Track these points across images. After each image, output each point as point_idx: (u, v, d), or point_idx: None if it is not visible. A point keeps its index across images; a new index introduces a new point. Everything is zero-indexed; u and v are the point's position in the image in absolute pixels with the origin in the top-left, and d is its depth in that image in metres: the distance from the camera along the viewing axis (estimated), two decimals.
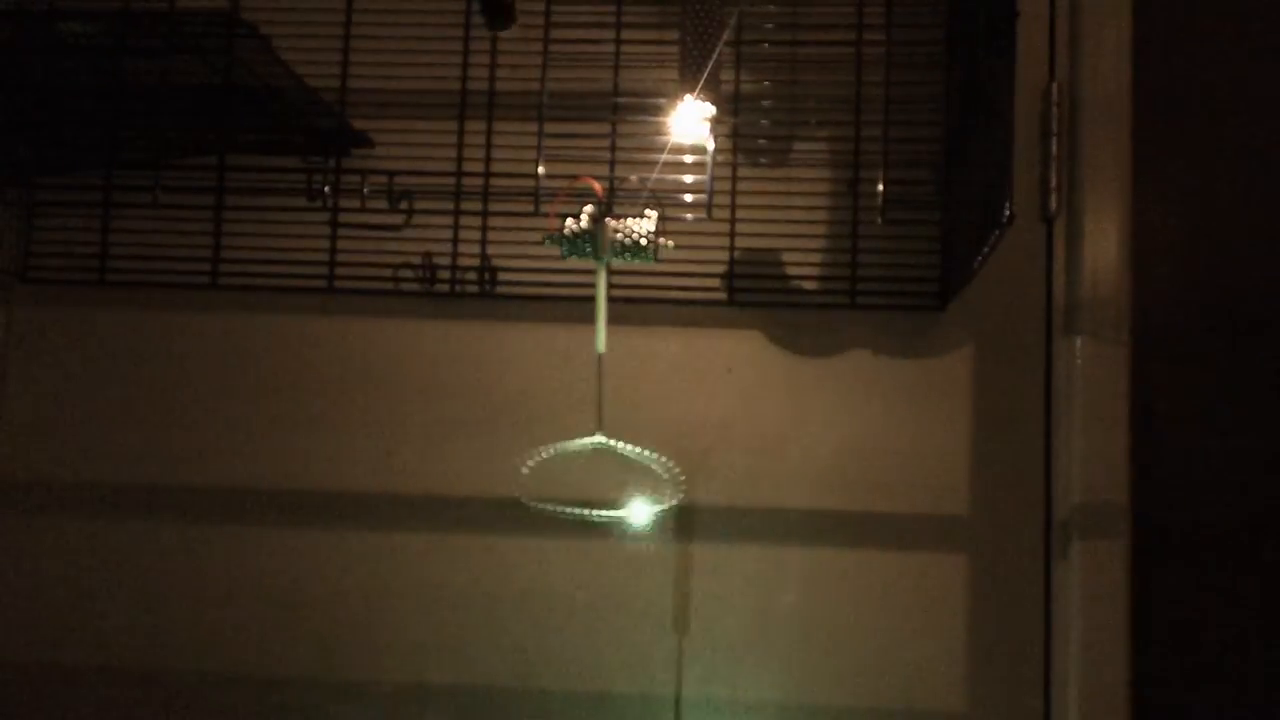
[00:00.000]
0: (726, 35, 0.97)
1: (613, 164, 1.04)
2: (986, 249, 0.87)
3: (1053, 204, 1.04)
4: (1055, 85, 1.04)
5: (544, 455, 0.99)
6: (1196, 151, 1.07)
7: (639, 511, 0.98)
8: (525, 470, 1.04)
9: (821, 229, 1.07)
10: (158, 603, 1.08)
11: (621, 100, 1.06)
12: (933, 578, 1.03)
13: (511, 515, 1.06)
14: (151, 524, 1.09)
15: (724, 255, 1.06)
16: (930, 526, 1.04)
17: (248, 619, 1.07)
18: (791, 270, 1.07)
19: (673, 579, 1.05)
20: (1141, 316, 1.06)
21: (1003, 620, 1.02)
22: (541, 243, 0.95)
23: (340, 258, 1.09)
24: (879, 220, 1.05)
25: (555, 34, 1.06)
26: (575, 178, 0.97)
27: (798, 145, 1.07)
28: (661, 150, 1.05)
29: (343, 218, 1.04)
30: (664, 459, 0.97)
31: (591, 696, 1.04)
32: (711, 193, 0.90)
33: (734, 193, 1.07)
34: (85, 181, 1.11)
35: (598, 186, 0.96)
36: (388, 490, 1.07)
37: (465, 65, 1.09)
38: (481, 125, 1.08)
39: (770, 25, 1.08)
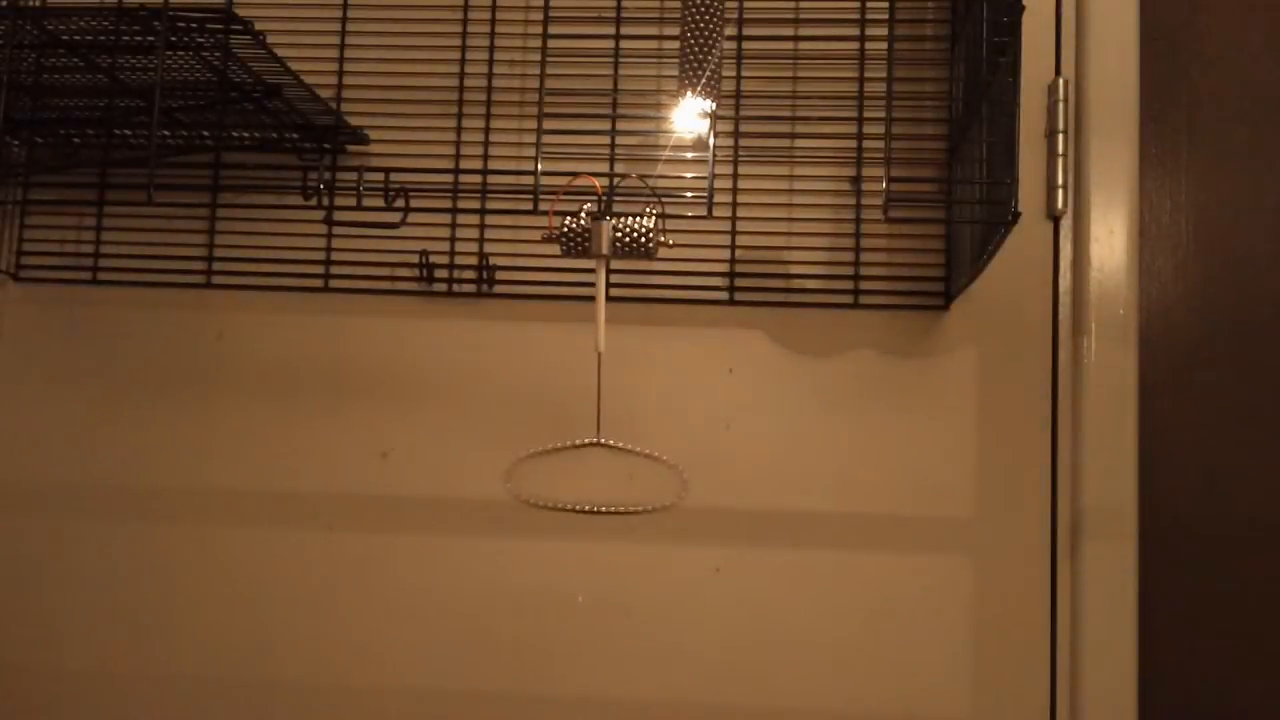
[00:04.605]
0: (728, 31, 0.96)
1: (612, 162, 1.03)
2: (991, 247, 0.86)
3: (1058, 202, 1.03)
4: (1061, 81, 1.03)
5: (540, 454, 0.98)
6: (1205, 148, 1.06)
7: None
8: (520, 470, 1.03)
9: (824, 227, 1.06)
10: (151, 604, 1.07)
11: (621, 97, 1.05)
12: (936, 580, 1.02)
13: (510, 517, 1.05)
14: (145, 525, 1.08)
15: (725, 254, 1.06)
16: (933, 528, 1.03)
17: (240, 620, 1.06)
18: (793, 269, 1.06)
19: (672, 581, 1.04)
20: (1149, 315, 1.05)
21: (1007, 623, 1.01)
22: (540, 241, 0.94)
23: (336, 256, 1.08)
24: (882, 218, 1.04)
25: (554, 30, 1.05)
26: (574, 175, 0.97)
27: (800, 142, 1.06)
28: (662, 148, 1.04)
29: (338, 216, 1.03)
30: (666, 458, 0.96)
31: (591, 699, 1.03)
32: (712, 191, 0.89)
33: (735, 190, 1.06)
34: (79, 180, 1.11)
35: (597, 184, 0.95)
36: (383, 491, 1.06)
37: (463, 61, 1.08)
38: (479, 122, 1.08)
39: (772, 20, 1.07)
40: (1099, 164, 1.03)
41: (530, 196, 0.91)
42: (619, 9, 1.06)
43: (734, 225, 1.05)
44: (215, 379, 1.09)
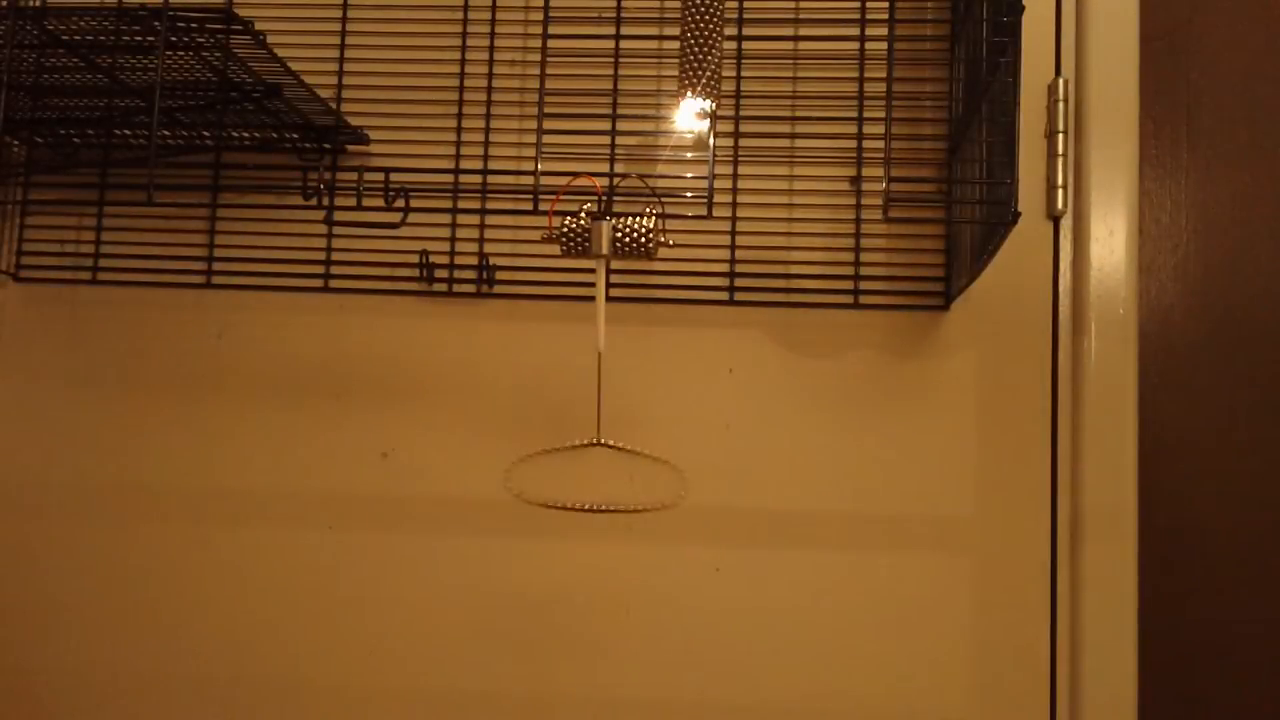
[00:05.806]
0: (728, 31, 0.96)
1: (612, 162, 1.03)
2: (991, 247, 0.86)
3: (1058, 202, 1.03)
4: (1061, 81, 1.03)
5: (541, 454, 0.98)
6: (1205, 148, 1.06)
7: None
8: (520, 470, 1.03)
9: (824, 227, 1.06)
10: (151, 604, 1.07)
11: (621, 97, 1.05)
12: (936, 580, 1.02)
13: (510, 517, 1.05)
14: (144, 525, 1.08)
15: (725, 254, 1.06)
16: (933, 529, 1.03)
17: (240, 620, 1.06)
18: (793, 269, 1.06)
19: (672, 581, 1.04)
20: (1149, 315, 1.05)
21: (1007, 623, 1.01)
22: (540, 241, 0.94)
23: (336, 256, 1.08)
24: (882, 218, 1.04)
25: (554, 30, 1.05)
26: (574, 175, 0.97)
27: (800, 142, 1.06)
28: (662, 148, 1.04)
29: (339, 216, 1.03)
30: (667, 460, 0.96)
31: (591, 699, 1.03)
32: (712, 191, 0.89)
33: (735, 190, 1.06)
34: (79, 180, 1.11)
35: (597, 184, 0.95)
36: (383, 491, 1.06)
37: (463, 62, 1.08)
38: (479, 122, 1.08)
39: (772, 20, 1.07)
40: (1099, 164, 1.03)
41: (530, 196, 0.91)
42: (619, 9, 1.06)
43: (734, 225, 1.05)
44: (215, 379, 1.09)
